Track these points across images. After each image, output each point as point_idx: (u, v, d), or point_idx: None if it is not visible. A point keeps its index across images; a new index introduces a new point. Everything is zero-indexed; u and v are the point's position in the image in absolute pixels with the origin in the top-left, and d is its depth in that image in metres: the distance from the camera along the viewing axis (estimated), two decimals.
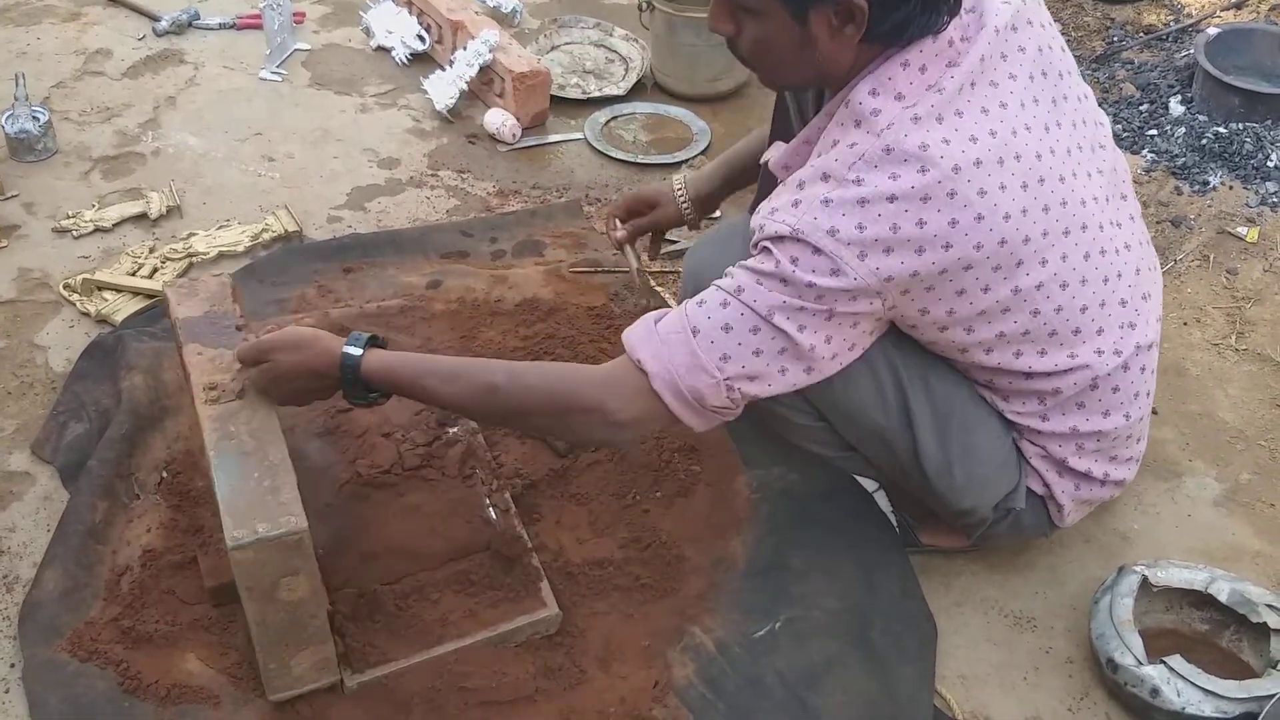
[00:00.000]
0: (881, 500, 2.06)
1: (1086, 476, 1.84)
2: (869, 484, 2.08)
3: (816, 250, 1.52)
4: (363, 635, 1.85)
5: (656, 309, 1.76)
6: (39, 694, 1.80)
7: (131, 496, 2.09)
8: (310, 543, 1.63)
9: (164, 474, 2.12)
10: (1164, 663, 1.76)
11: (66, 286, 2.49)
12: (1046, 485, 1.85)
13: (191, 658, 1.86)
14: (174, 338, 1.91)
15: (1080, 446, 1.81)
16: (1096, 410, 1.77)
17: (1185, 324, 2.54)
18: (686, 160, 2.95)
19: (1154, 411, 2.30)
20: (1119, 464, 1.87)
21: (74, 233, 2.64)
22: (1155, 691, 1.74)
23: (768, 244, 1.56)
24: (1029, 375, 1.72)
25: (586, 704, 1.82)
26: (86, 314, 2.44)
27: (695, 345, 1.59)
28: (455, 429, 2.08)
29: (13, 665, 1.86)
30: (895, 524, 2.04)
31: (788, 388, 1.64)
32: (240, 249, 2.60)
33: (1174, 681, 1.74)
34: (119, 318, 2.41)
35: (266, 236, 2.62)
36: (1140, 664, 1.77)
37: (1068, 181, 1.63)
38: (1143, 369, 1.79)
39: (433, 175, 2.89)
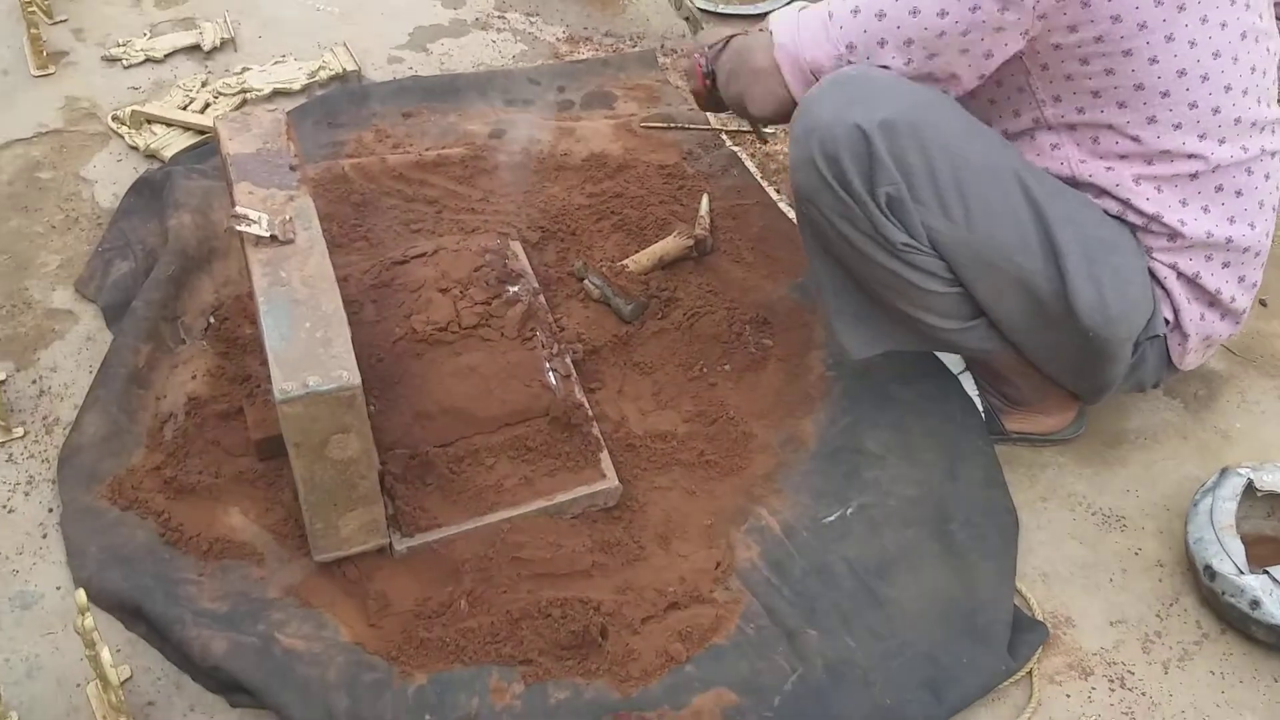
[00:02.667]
0: (967, 383, 1.93)
1: (1214, 300, 1.72)
2: (953, 365, 1.95)
3: None
4: (413, 498, 1.76)
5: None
6: (77, 541, 1.73)
7: (177, 341, 2.00)
8: (363, 399, 1.53)
9: (211, 319, 2.02)
10: (1267, 573, 1.64)
11: (115, 118, 2.38)
12: (1175, 309, 1.72)
13: (235, 512, 1.79)
14: (224, 175, 1.79)
15: (1210, 258, 1.69)
16: (1222, 215, 1.67)
17: None
18: (769, 10, 2.75)
19: (1262, 303, 2.16)
20: (1244, 288, 1.74)
21: (124, 62, 2.51)
22: (1255, 603, 1.63)
23: None
24: (1167, 155, 1.63)
25: (644, 581, 1.73)
26: (135, 148, 2.33)
27: (827, 23, 1.64)
28: (516, 288, 1.96)
29: (51, 510, 1.79)
30: (980, 408, 1.92)
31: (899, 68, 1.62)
32: (296, 87, 2.47)
33: (1276, 593, 1.62)
34: (168, 153, 2.30)
35: (323, 75, 2.49)
36: (1241, 573, 1.65)
37: None
38: (1267, 176, 1.69)
39: (500, 17, 2.73)
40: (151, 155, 2.31)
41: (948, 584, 1.71)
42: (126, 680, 1.63)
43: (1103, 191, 1.67)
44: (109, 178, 2.28)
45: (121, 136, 2.34)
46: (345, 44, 2.56)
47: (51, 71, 2.48)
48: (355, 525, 1.66)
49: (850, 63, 1.62)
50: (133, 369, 1.93)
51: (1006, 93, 1.69)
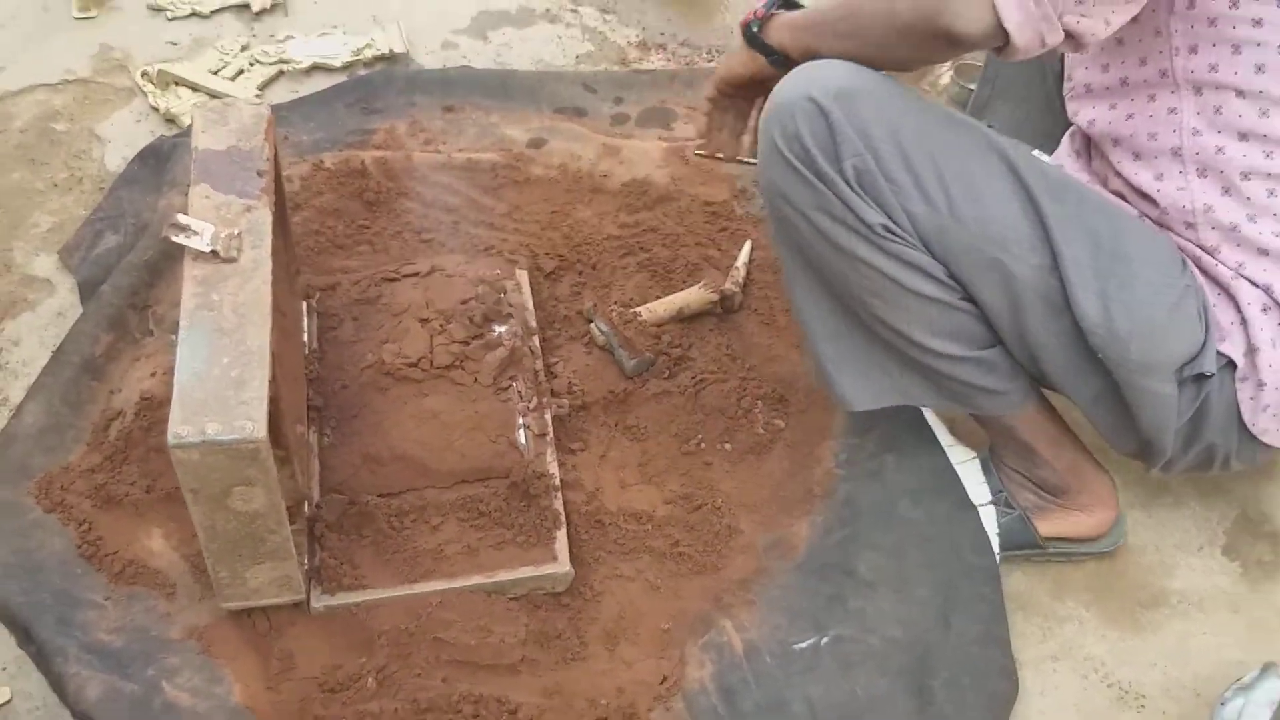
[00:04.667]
0: (988, 520, 1.68)
1: None
2: (980, 495, 1.70)
3: None
4: (343, 551, 1.60)
5: None
6: None
7: (144, 332, 1.87)
8: (269, 453, 1.36)
9: None
10: None
11: (144, 74, 2.24)
12: (1250, 342, 1.47)
13: (158, 534, 1.65)
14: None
15: None
16: None
17: None
18: None
19: None
20: None
21: (169, 13, 2.38)
22: None
23: None
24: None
25: (577, 686, 1.54)
26: (156, 110, 2.19)
27: None
28: (502, 329, 1.78)
29: None
30: (997, 523, 1.67)
31: None
32: (337, 64, 2.31)
33: None
34: (186, 120, 2.16)
35: (369, 54, 2.32)
36: None
37: None
38: None
39: (572, 11, 2.51)
40: (170, 120, 2.17)
41: None
42: (4, 704, 1.51)
43: (1204, 170, 1.48)
44: (123, 139, 2.15)
45: (145, 95, 2.21)
46: (399, 22, 2.38)
47: (94, 15, 2.36)
48: (265, 579, 1.51)
49: None
50: (89, 357, 1.80)
51: (1139, 34, 1.47)
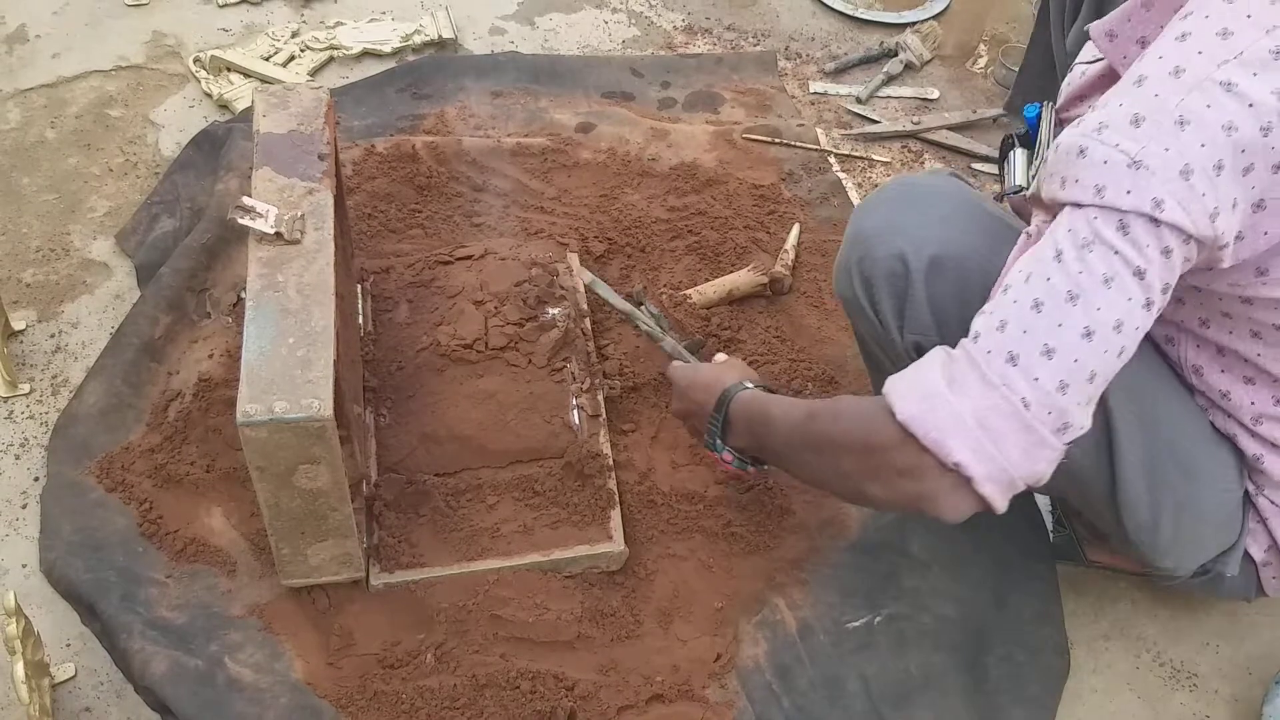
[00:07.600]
0: (1039, 497, 1.69)
1: None
2: None
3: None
4: (401, 529, 1.62)
5: None
6: (54, 519, 1.65)
7: (202, 314, 1.89)
8: (335, 431, 1.38)
9: (241, 294, 1.89)
10: None
11: (196, 60, 2.27)
12: (1269, 531, 1.42)
13: (218, 513, 1.68)
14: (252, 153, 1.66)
15: None
16: None
17: None
18: (913, 23, 2.51)
19: None
20: None
21: (220, 0, 2.40)
22: None
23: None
24: None
25: (632, 663, 1.56)
26: (209, 95, 2.22)
27: (1029, 418, 1.12)
28: (555, 311, 1.79)
29: (37, 479, 1.71)
30: (1050, 529, 1.67)
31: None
32: (387, 49, 2.32)
33: None
34: (239, 106, 2.18)
35: (418, 40, 2.34)
36: None
37: None
38: None
39: None
40: (223, 105, 2.20)
41: None
42: (69, 679, 1.54)
43: (1213, 405, 1.38)
44: (177, 124, 2.18)
45: (199, 81, 2.23)
46: (447, 8, 2.40)
47: (146, 2, 2.38)
48: (326, 556, 1.53)
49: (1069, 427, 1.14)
50: (148, 339, 1.82)
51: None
